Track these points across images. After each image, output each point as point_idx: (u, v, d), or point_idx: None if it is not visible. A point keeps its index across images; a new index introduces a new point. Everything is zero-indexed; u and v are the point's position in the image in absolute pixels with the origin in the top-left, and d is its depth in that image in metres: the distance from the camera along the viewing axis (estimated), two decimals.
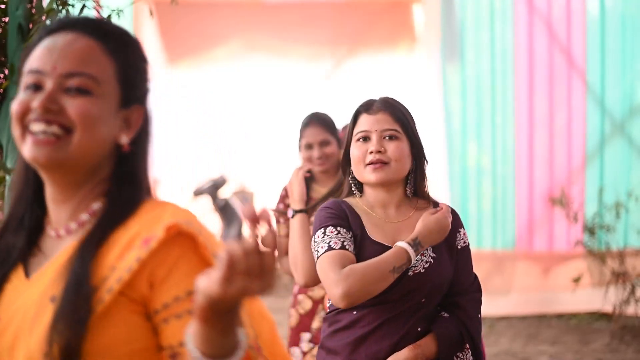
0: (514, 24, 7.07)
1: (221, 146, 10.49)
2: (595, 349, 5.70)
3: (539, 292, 7.02)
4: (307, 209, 2.88)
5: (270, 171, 10.33)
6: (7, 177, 3.16)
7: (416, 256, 2.13)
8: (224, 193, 9.38)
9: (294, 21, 9.60)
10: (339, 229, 2.18)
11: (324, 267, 2.12)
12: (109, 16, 3.23)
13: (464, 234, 2.32)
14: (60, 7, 3.21)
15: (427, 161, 2.31)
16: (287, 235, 3.38)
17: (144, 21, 8.77)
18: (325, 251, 2.15)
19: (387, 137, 2.23)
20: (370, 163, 2.21)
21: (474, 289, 2.30)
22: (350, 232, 2.19)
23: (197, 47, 9.76)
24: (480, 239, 7.08)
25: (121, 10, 3.26)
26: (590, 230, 6.24)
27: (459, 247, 2.28)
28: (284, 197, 3.43)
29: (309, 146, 3.38)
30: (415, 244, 2.12)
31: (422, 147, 2.30)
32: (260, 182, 10.41)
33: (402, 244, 2.12)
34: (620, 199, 6.23)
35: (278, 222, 3.42)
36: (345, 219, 2.21)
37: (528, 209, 7.10)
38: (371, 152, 2.21)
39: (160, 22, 9.18)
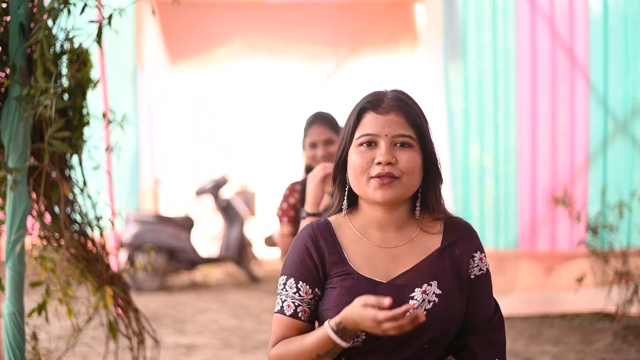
0: (516, 23, 7.05)
1: (221, 146, 10.48)
2: (598, 349, 5.67)
3: (541, 291, 6.99)
4: (321, 213, 2.88)
5: (271, 171, 10.33)
6: (9, 177, 3.14)
7: (347, 342, 1.73)
8: (225, 193, 9.37)
9: (295, 21, 9.59)
10: (299, 285, 1.85)
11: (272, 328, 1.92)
12: (111, 15, 3.21)
13: (481, 259, 1.91)
14: (61, 7, 3.19)
15: (441, 179, 1.91)
16: (291, 235, 3.38)
17: (145, 21, 8.76)
18: (277, 312, 1.88)
19: (398, 144, 1.83)
20: (378, 176, 1.81)
21: (490, 328, 1.90)
22: (314, 290, 1.86)
23: (198, 46, 9.76)
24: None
25: (123, 10, 3.25)
26: (593, 230, 6.21)
27: (473, 276, 1.89)
28: (287, 196, 3.42)
29: (313, 145, 3.37)
30: (340, 329, 1.72)
31: (437, 156, 1.89)
32: (261, 181, 10.41)
33: (327, 327, 1.74)
34: (623, 198, 6.20)
35: (281, 221, 3.41)
36: (315, 265, 1.86)
37: (530, 208, 7.08)
38: (379, 163, 1.81)
39: (161, 21, 9.18)
